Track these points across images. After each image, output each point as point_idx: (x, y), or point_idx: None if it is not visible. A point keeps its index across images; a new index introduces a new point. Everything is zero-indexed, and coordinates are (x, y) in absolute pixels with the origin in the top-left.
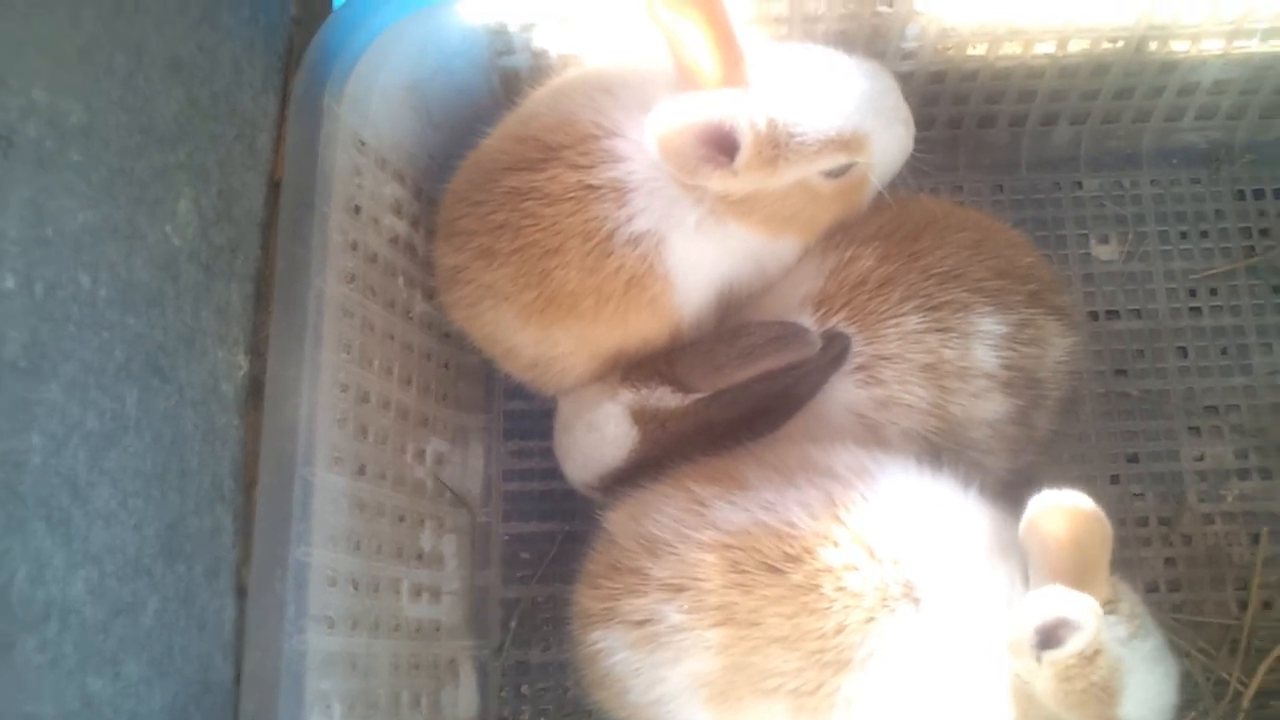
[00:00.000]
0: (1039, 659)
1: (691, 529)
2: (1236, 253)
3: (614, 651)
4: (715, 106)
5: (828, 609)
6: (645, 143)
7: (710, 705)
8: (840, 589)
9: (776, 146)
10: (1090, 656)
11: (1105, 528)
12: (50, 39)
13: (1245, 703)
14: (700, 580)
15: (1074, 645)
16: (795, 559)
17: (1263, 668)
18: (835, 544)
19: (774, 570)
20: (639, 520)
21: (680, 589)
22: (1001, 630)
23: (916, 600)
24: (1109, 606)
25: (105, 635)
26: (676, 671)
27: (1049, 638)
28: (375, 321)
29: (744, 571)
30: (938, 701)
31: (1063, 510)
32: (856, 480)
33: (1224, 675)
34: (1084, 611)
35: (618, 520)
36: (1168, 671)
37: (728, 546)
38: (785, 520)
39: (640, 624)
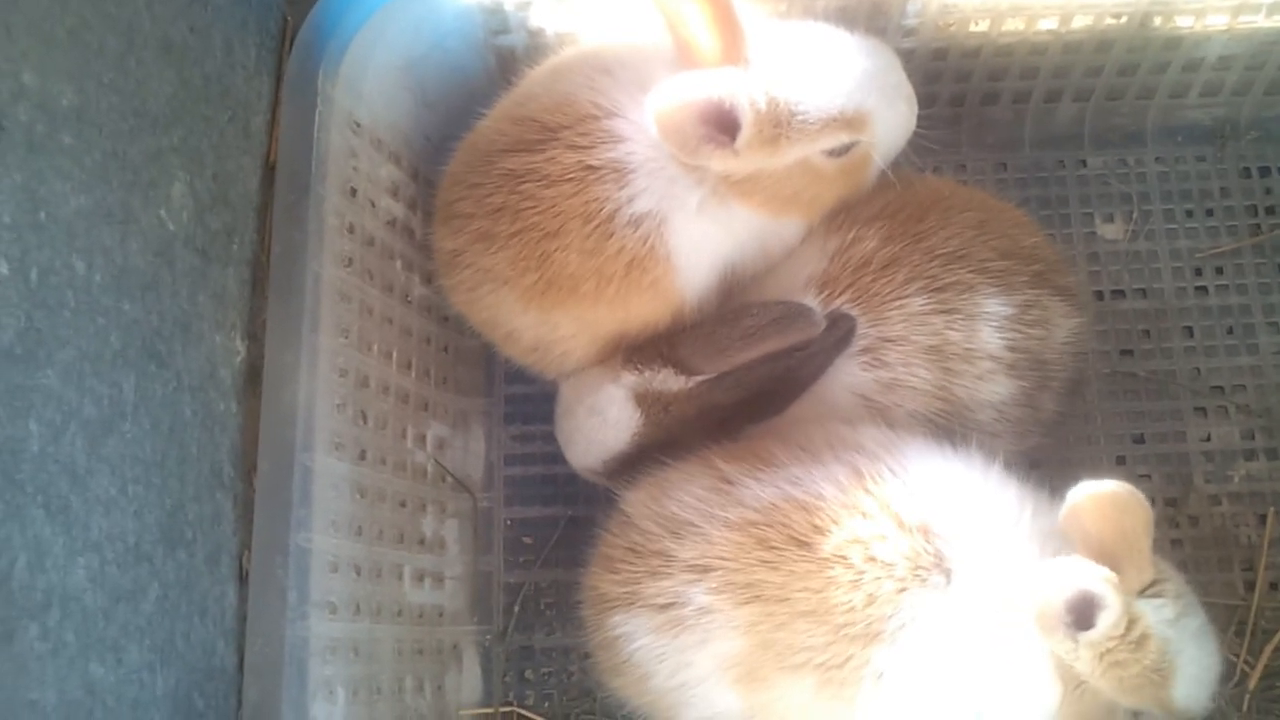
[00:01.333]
0: (1075, 640)
1: (718, 508)
2: (1242, 231)
3: (635, 637)
4: (715, 85)
5: (857, 580)
6: (645, 122)
7: (738, 686)
8: (870, 559)
9: (778, 125)
10: (1139, 641)
11: (1147, 511)
12: (39, 21)
13: (1252, 684)
14: (727, 560)
15: (1104, 623)
16: (823, 531)
17: (1269, 648)
18: (864, 514)
19: (802, 544)
20: (660, 501)
21: (707, 569)
22: (1024, 602)
23: (948, 572)
24: (1155, 588)
25: (106, 622)
26: (703, 654)
27: (1082, 618)
28: (373, 305)
29: (772, 548)
30: (970, 677)
31: (1105, 496)
32: (884, 454)
33: (1230, 656)
34: (1100, 582)
35: (637, 502)
36: (1213, 647)
37: (755, 524)
38: (814, 493)
39: (665, 607)
